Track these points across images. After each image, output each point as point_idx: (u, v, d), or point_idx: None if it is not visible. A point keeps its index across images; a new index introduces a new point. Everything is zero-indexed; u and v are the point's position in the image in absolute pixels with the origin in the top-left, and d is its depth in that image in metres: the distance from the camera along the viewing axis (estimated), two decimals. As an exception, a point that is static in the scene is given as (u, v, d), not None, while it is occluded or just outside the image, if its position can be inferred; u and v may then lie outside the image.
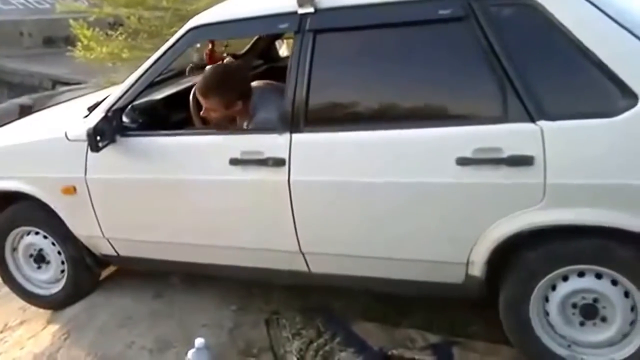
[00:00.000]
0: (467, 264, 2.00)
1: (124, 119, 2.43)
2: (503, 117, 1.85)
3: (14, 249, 2.84)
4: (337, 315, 2.47)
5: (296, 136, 2.10)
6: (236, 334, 2.47)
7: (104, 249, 2.63)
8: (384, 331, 2.35)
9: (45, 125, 2.90)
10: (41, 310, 2.87)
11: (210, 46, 3.05)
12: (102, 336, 2.58)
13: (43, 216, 2.66)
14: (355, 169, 2.05)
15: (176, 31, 2.39)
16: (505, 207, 1.88)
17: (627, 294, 1.88)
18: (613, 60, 1.73)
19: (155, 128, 2.44)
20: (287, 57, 3.05)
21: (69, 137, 2.47)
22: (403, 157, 1.98)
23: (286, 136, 2.11)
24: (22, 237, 2.80)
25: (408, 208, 2.02)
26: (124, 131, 2.39)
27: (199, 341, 2.13)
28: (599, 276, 1.90)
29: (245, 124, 2.40)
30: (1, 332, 2.84)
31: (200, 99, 2.40)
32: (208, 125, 2.53)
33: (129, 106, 2.43)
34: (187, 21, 2.37)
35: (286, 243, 2.21)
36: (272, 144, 2.13)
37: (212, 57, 3.03)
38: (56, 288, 2.81)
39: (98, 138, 2.28)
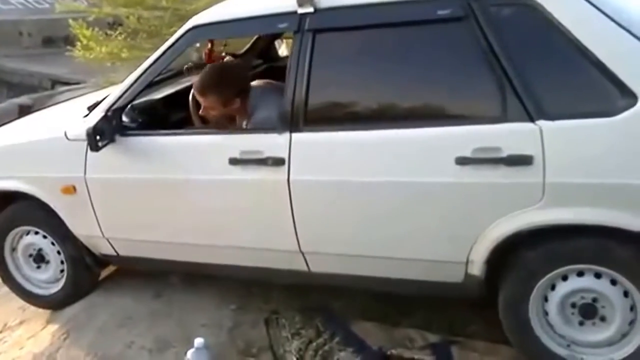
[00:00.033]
0: (467, 263, 2.00)
1: (124, 118, 2.43)
2: (502, 117, 1.85)
3: (14, 249, 2.84)
4: (336, 315, 2.47)
5: (296, 136, 2.10)
6: (235, 334, 2.47)
7: (104, 248, 2.63)
8: (383, 331, 2.35)
9: (45, 124, 2.90)
10: (40, 310, 2.87)
11: (209, 46, 3.05)
12: (102, 336, 2.58)
13: (42, 216, 2.66)
14: (355, 169, 2.05)
15: (175, 31, 2.39)
16: (505, 207, 1.88)
17: (626, 294, 1.88)
18: (612, 60, 1.74)
19: (155, 127, 2.44)
20: (286, 57, 3.06)
21: (69, 136, 2.47)
22: (402, 156, 1.98)
23: (286, 136, 2.11)
24: (21, 236, 2.80)
25: (407, 207, 2.02)
26: (124, 131, 2.39)
27: (198, 341, 2.13)
28: (598, 276, 1.90)
29: (244, 124, 2.40)
30: (1, 332, 2.84)
31: (199, 97, 2.41)
32: (207, 125, 2.53)
33: (129, 106, 2.43)
34: (187, 21, 2.37)
35: (286, 242, 2.21)
36: (271, 143, 2.13)
37: (211, 57, 3.03)
38: (56, 288, 2.81)
39: (97, 137, 2.28)
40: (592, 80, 1.76)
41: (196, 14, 2.40)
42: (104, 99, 2.47)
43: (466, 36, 1.88)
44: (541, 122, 1.80)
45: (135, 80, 2.37)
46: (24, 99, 7.21)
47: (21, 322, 2.86)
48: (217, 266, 2.47)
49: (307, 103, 2.09)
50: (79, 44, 6.24)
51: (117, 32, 6.29)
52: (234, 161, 2.17)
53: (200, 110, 2.44)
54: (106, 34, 6.35)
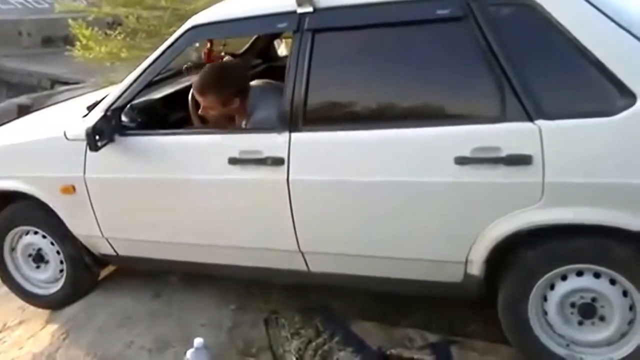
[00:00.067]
0: (466, 263, 2.00)
1: (123, 118, 2.43)
2: (501, 117, 1.85)
3: (13, 249, 2.83)
4: (336, 315, 2.47)
5: (295, 135, 2.10)
6: (235, 334, 2.47)
7: (103, 248, 2.63)
8: (383, 330, 2.35)
9: (44, 124, 2.90)
10: (40, 310, 2.87)
11: (208, 45, 3.05)
12: (101, 336, 2.58)
13: (42, 216, 2.66)
14: (354, 168, 2.05)
15: (175, 31, 2.39)
16: (504, 206, 1.88)
17: (625, 293, 1.89)
18: (611, 60, 1.74)
19: (154, 127, 2.44)
20: (285, 57, 3.06)
21: (68, 136, 2.47)
22: (402, 156, 1.98)
23: (285, 135, 2.11)
24: (20, 236, 2.80)
25: (407, 207, 2.02)
26: (123, 130, 2.39)
27: (197, 341, 2.13)
28: (597, 275, 1.90)
29: (244, 123, 2.40)
30: (0, 331, 2.84)
31: (198, 96, 2.41)
32: (207, 125, 2.53)
33: (128, 105, 2.43)
34: (186, 20, 2.37)
35: (285, 242, 2.21)
36: (271, 143, 2.13)
37: (211, 57, 3.03)
38: (55, 288, 2.81)
39: (97, 137, 2.28)
40: (591, 80, 1.76)
41: (195, 13, 2.40)
42: (103, 98, 2.47)
43: (465, 36, 1.88)
44: (540, 122, 1.80)
45: (135, 80, 2.37)
46: (23, 99, 7.20)
47: (20, 322, 2.86)
48: (217, 266, 2.47)
49: (307, 103, 2.09)
50: (78, 43, 6.24)
51: (117, 31, 6.29)
52: (233, 161, 2.17)
53: (200, 110, 2.44)
54: (105, 33, 6.35)
